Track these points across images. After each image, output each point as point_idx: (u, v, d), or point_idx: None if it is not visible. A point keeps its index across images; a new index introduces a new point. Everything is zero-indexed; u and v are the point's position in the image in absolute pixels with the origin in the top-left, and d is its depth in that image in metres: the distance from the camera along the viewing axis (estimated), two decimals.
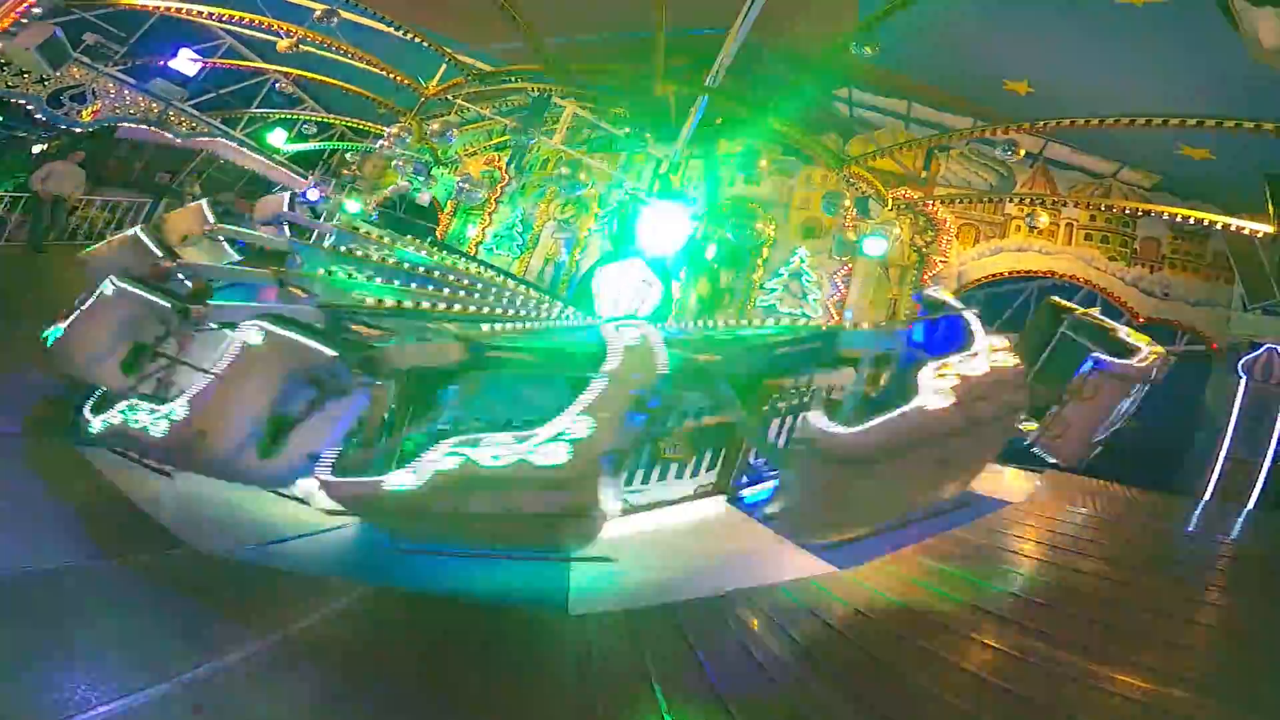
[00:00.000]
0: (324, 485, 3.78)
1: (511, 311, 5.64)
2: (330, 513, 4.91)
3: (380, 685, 3.01)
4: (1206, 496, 9.09)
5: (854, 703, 3.01)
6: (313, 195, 14.38)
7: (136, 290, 4.63)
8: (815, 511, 3.89)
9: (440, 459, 3.39)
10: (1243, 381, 9.38)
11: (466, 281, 5.86)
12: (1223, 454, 9.27)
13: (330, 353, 3.87)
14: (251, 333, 3.85)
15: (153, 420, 3.85)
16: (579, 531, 3.64)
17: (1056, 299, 5.60)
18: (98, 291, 4.64)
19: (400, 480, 3.44)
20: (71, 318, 4.66)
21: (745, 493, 6.42)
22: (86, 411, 4.34)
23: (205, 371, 3.91)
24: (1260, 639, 3.39)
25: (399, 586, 4.16)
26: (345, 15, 10.08)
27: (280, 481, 4.23)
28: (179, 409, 3.80)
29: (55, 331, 4.67)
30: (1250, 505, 8.76)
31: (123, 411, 4.02)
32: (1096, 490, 7.30)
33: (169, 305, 4.60)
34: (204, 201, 6.47)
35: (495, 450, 3.36)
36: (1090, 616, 3.65)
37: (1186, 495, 9.03)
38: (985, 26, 8.19)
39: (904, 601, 4.11)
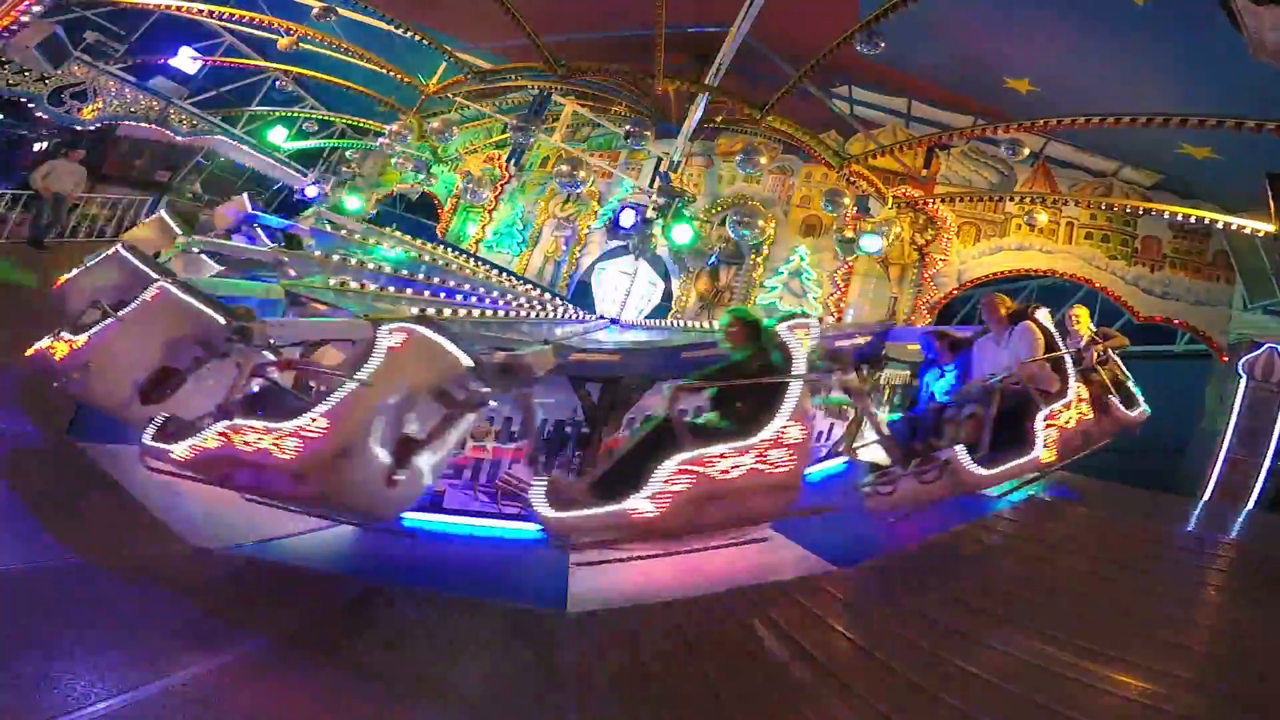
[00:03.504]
0: (548, 523, 3.32)
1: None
2: None
3: (380, 684, 3.02)
4: (1206, 496, 9.09)
5: (852, 702, 3.02)
6: (311, 192, 14.40)
7: (192, 301, 3.99)
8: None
9: (673, 479, 3.22)
10: (1243, 381, 9.37)
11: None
12: (1222, 454, 9.27)
13: (468, 362, 3.50)
14: (395, 335, 3.35)
15: (275, 440, 3.11)
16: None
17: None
18: (140, 298, 4.02)
19: (639, 505, 3.22)
20: (95, 329, 3.99)
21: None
22: (148, 439, 3.52)
23: (350, 378, 3.26)
24: (1259, 640, 3.39)
25: (398, 585, 4.16)
26: (345, 13, 10.08)
27: (398, 515, 3.71)
28: (315, 420, 3.10)
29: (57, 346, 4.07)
30: (1250, 505, 8.76)
31: (224, 433, 3.27)
32: (1094, 489, 7.29)
33: (224, 323, 3.91)
34: (163, 212, 5.76)
35: (724, 464, 3.29)
36: (1087, 616, 3.65)
37: (1186, 495, 9.03)
38: (986, 24, 8.17)
39: (900, 601, 4.12)
